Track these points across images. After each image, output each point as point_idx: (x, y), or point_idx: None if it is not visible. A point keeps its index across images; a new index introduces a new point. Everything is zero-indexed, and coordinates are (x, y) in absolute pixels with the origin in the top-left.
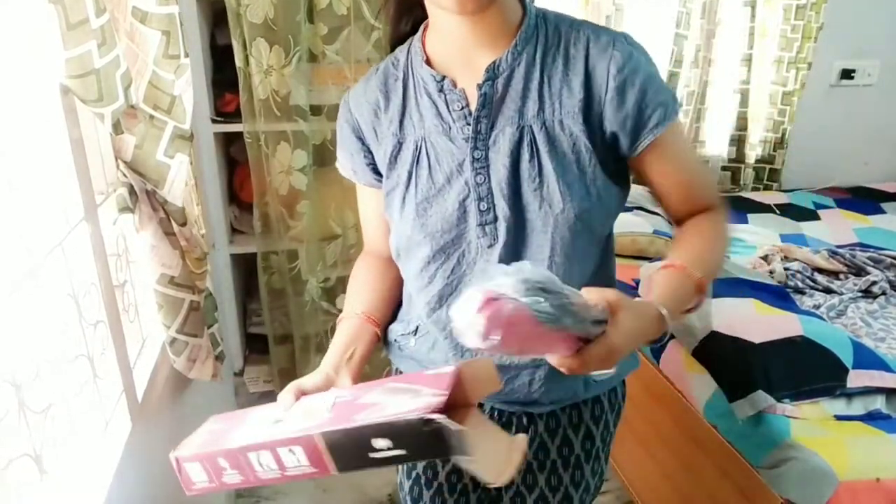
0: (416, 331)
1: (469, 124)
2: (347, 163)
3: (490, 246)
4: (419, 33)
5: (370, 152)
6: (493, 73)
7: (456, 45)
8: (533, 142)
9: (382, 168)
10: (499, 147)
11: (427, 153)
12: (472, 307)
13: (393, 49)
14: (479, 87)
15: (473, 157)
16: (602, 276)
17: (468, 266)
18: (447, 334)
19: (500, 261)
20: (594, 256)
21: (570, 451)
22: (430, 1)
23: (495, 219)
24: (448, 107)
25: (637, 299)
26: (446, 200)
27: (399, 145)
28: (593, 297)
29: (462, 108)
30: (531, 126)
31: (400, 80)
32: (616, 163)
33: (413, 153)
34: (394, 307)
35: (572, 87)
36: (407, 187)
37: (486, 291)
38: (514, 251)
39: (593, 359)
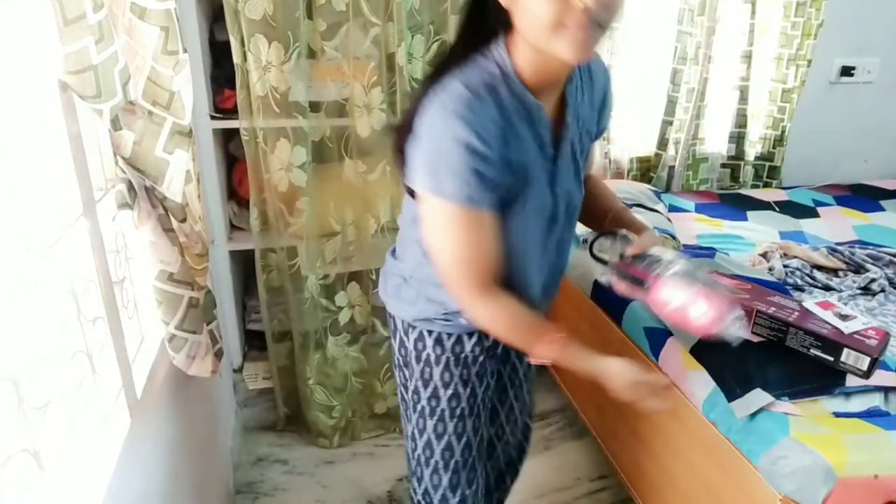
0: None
1: (552, 145)
2: (474, 192)
3: (552, 230)
4: (504, 56)
5: (497, 175)
6: (570, 102)
7: (549, 80)
8: (577, 147)
9: (510, 191)
10: (564, 157)
11: (535, 174)
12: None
13: (467, 45)
14: (566, 119)
15: (552, 169)
16: None
17: (548, 252)
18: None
19: (559, 240)
20: None
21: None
22: (542, 48)
23: (563, 210)
24: (541, 129)
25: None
26: (544, 211)
27: (525, 168)
28: (651, 244)
29: (549, 130)
30: (578, 135)
31: (510, 103)
32: None
33: (528, 174)
34: None
35: (594, 100)
36: (525, 207)
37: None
38: (566, 230)
39: None
